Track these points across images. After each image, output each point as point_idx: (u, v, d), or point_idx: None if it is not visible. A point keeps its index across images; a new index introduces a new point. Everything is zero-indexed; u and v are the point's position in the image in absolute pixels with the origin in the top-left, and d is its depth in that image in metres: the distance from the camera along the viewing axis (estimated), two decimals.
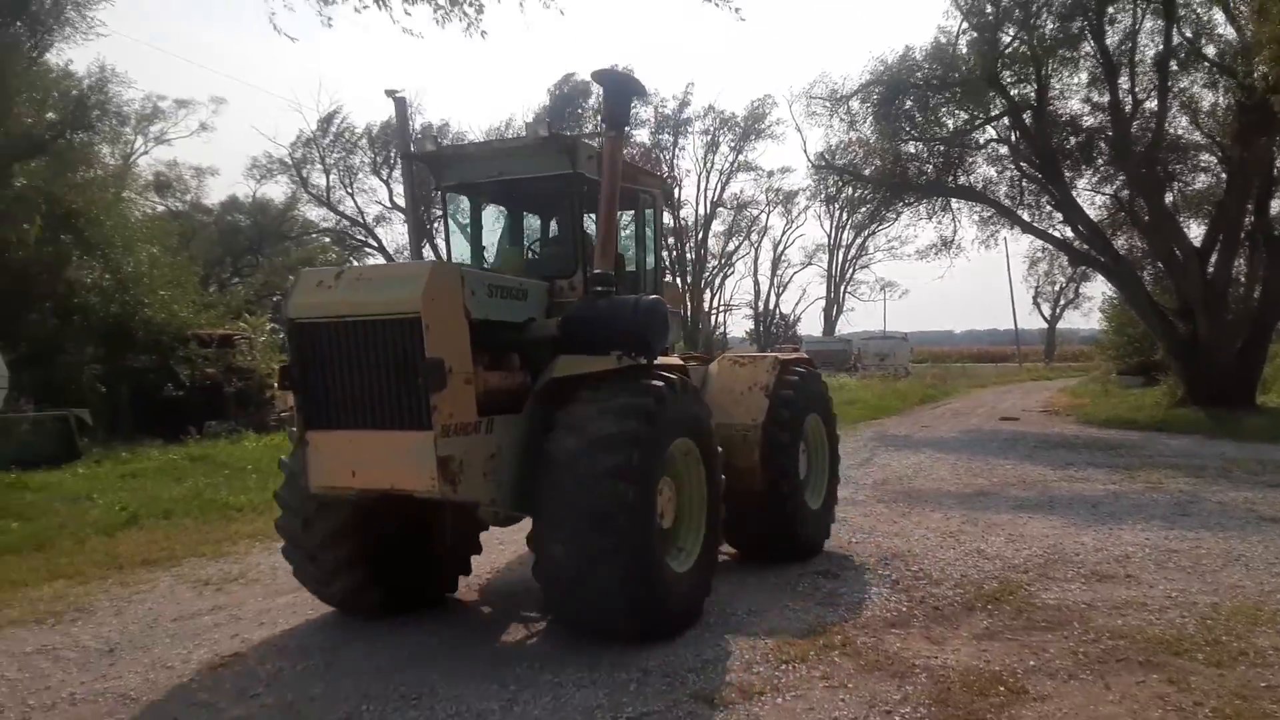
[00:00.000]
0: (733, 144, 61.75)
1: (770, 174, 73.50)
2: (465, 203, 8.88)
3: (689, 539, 7.68)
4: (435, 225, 34.68)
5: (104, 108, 28.14)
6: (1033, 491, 14.18)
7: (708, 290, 64.31)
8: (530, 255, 8.93)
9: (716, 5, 16.61)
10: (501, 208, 9.09)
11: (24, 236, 22.67)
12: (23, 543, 11.07)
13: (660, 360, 7.64)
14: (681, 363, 8.15)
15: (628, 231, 9.12)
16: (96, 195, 24.87)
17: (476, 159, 8.51)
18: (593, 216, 8.10)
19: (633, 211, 9.09)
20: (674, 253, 50.83)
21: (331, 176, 55.62)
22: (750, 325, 75.96)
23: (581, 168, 8.03)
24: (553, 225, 9.21)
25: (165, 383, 22.94)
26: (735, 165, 63.11)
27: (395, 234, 55.93)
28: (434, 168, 8.59)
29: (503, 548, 10.30)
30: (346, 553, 7.51)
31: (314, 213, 56.42)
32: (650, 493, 6.85)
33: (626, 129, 8.30)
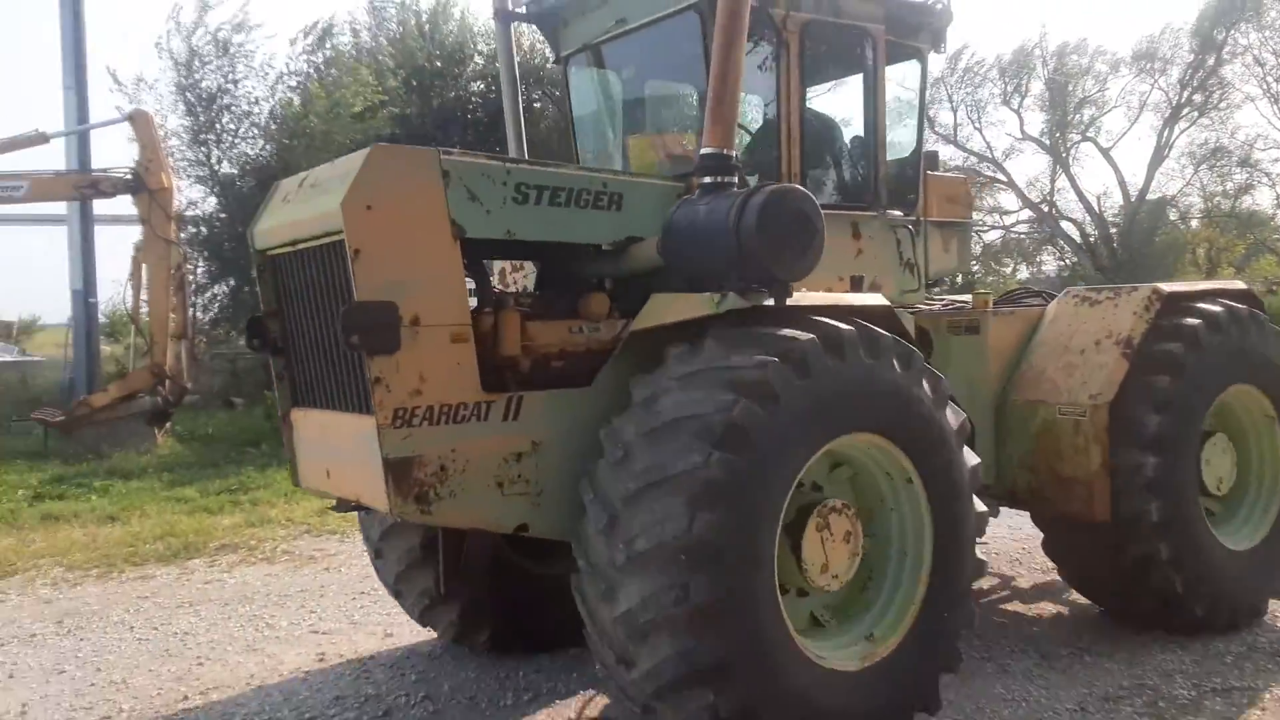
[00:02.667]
0: None
1: None
2: (594, 77, 6.13)
3: (888, 617, 4.50)
4: None
5: None
6: None
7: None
8: (678, 148, 5.91)
9: None
10: (641, 78, 6.15)
11: None
12: None
13: (809, 300, 4.45)
14: (883, 304, 4.74)
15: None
16: None
17: (595, 6, 5.69)
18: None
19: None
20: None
21: (959, 113, 52.74)
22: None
23: None
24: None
25: None
26: None
27: (1027, 166, 51.01)
28: (547, 31, 5.98)
29: None
30: (433, 582, 5.36)
31: (943, 151, 54.31)
32: (761, 534, 3.91)
33: None
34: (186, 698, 5.42)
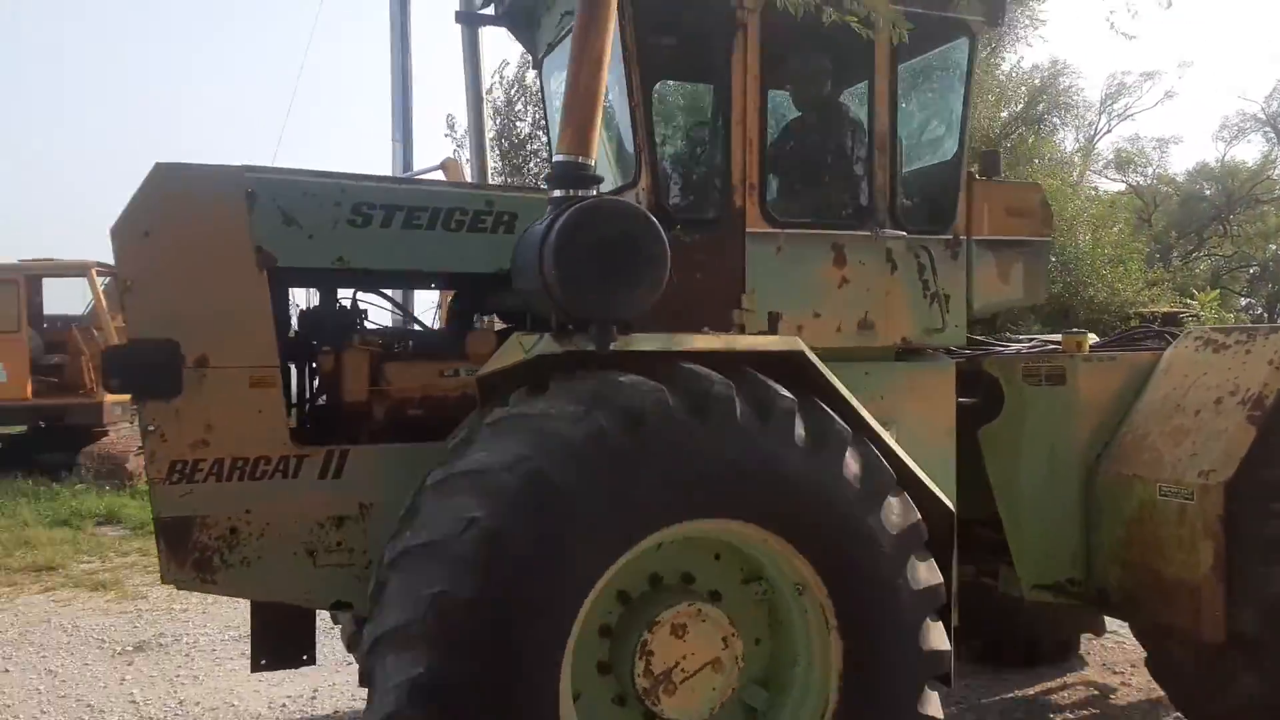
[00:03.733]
0: None
1: None
2: None
3: None
4: None
5: (1055, 100, 28.86)
6: None
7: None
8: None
9: None
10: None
11: None
12: None
13: (685, 342, 3.42)
14: (793, 350, 3.56)
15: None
16: (1043, 183, 25.72)
17: (565, 2, 4.70)
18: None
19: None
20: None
21: None
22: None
23: None
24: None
25: None
26: None
27: None
28: (519, 33, 5.13)
29: None
30: None
31: None
32: (534, 631, 2.98)
33: None
34: None
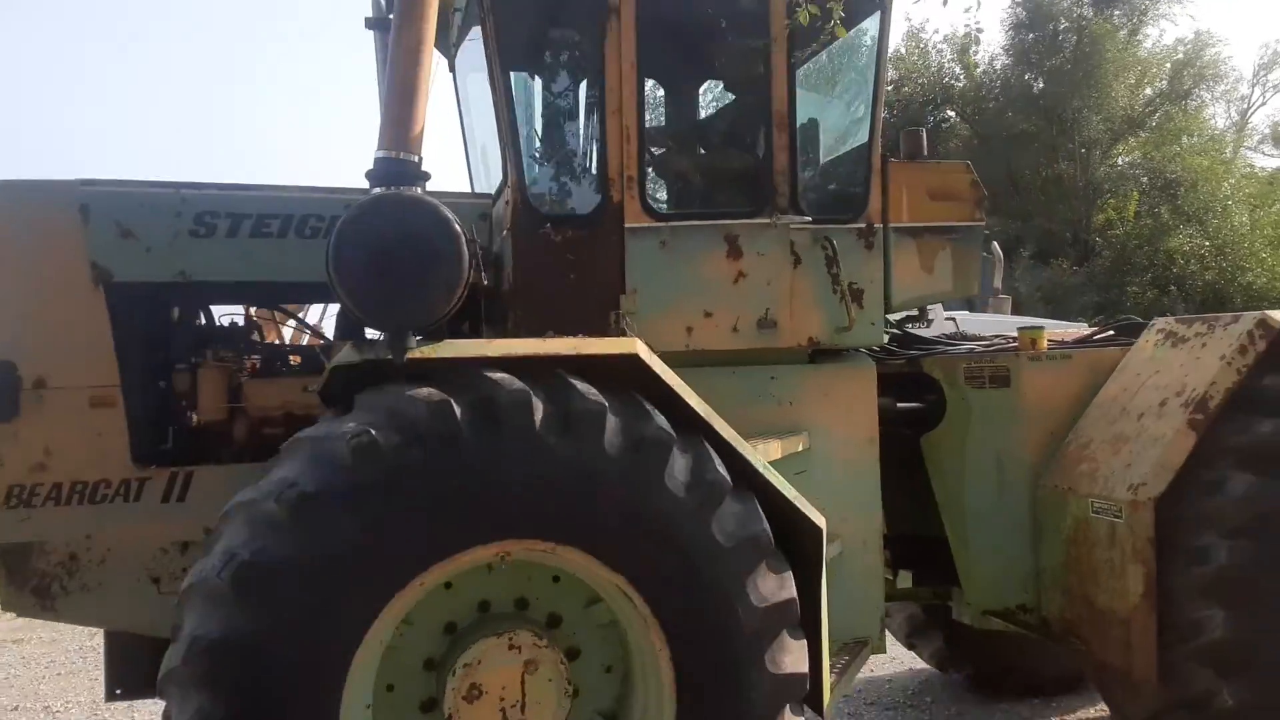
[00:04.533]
0: None
1: None
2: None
3: None
4: None
5: (1201, 73, 27.34)
6: None
7: None
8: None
9: None
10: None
11: (1123, 212, 23.40)
12: None
13: (501, 347, 3.08)
14: (626, 352, 3.14)
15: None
16: (1192, 161, 24.42)
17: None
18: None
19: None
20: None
21: None
22: None
23: None
24: None
25: None
26: None
27: None
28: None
29: None
30: None
31: None
32: (313, 682, 2.75)
33: None
34: None
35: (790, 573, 3.14)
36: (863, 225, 4.13)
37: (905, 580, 4.84)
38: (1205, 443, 3.63)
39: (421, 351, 2.96)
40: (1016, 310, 18.07)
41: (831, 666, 3.71)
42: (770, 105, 4.02)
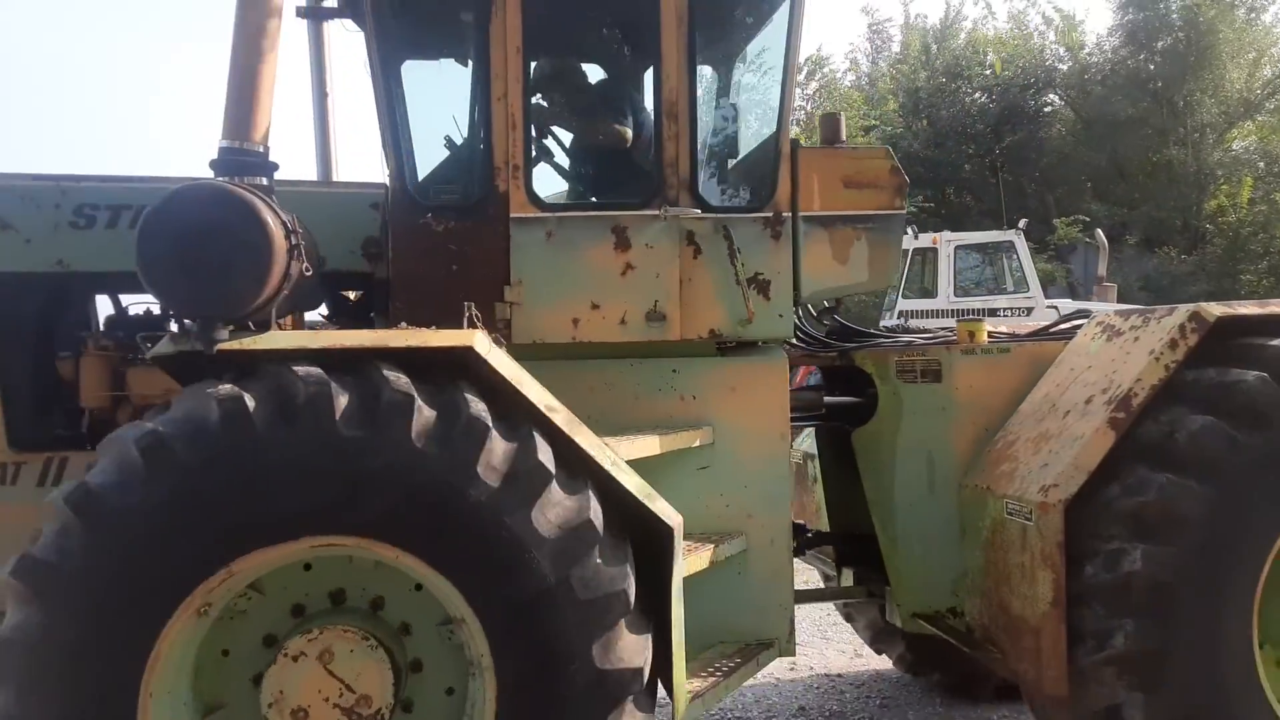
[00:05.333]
0: None
1: None
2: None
3: None
4: None
5: None
6: None
7: None
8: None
9: None
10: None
11: (1237, 198, 22.86)
12: None
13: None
14: (459, 345, 3.04)
15: None
16: None
17: None
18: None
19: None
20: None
21: None
22: None
23: None
24: None
25: None
26: None
27: None
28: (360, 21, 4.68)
29: None
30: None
31: None
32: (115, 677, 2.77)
33: None
34: None
35: (628, 565, 3.01)
36: (769, 214, 3.95)
37: (849, 579, 4.68)
38: (1124, 442, 3.37)
39: (240, 343, 2.95)
40: (1123, 299, 17.16)
41: (718, 668, 3.60)
42: (662, 93, 3.86)
